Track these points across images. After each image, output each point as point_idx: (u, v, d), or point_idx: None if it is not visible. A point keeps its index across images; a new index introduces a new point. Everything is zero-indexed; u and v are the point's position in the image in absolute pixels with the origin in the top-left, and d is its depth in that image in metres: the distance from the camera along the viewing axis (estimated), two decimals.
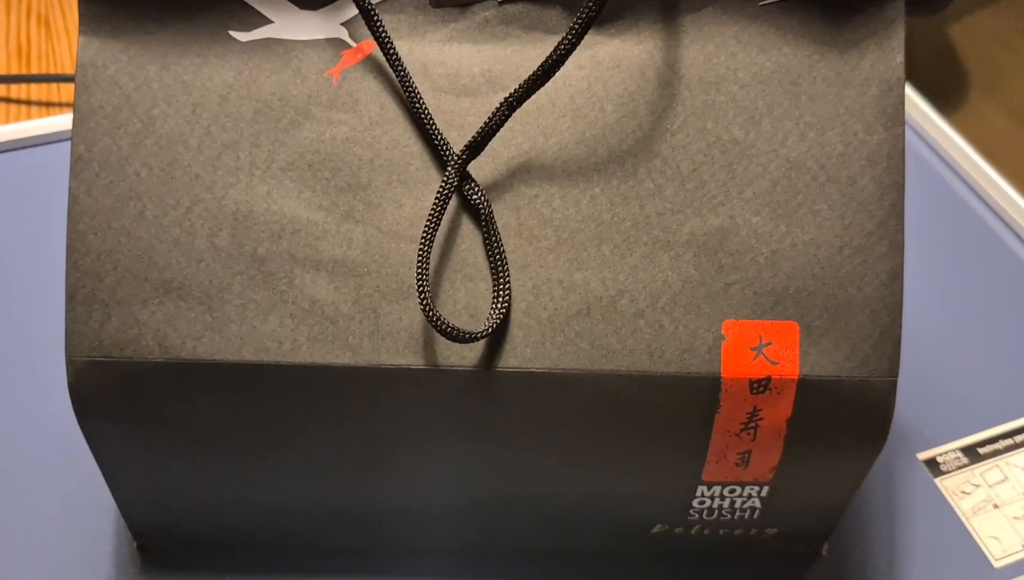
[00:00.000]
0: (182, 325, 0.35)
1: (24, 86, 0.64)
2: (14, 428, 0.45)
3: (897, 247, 0.35)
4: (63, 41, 0.68)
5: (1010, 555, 0.42)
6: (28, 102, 0.64)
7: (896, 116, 0.35)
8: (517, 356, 0.35)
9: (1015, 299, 0.52)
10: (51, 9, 0.70)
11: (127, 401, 0.35)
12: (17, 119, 0.63)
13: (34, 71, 0.66)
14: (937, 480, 0.45)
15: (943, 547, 0.43)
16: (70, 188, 0.35)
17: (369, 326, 0.35)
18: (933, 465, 0.45)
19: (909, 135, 0.59)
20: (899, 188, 0.35)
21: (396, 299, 0.35)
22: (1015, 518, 0.43)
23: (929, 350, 0.49)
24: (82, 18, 0.35)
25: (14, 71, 0.65)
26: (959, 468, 0.45)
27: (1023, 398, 0.47)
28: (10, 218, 0.55)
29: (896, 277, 0.35)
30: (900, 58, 0.35)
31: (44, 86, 0.65)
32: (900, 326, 0.35)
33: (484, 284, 0.35)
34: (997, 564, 0.42)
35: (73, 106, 0.35)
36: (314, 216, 0.35)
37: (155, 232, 0.35)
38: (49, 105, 0.63)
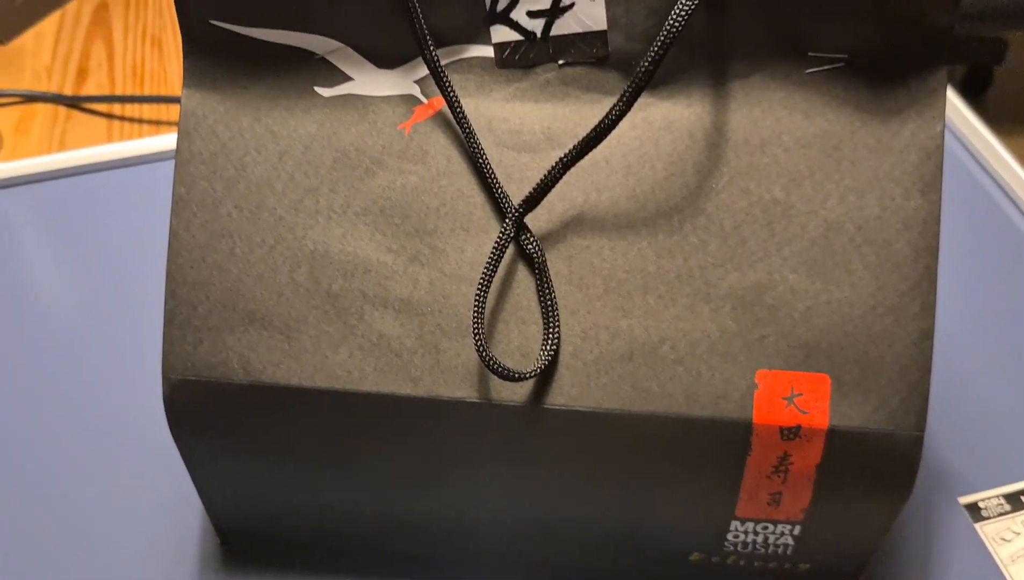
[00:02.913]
0: (263, 351, 0.39)
1: (137, 105, 0.70)
2: (118, 431, 0.50)
3: (929, 308, 0.37)
4: (174, 62, 0.73)
5: None
6: (140, 120, 0.69)
7: (933, 183, 0.37)
8: (564, 395, 0.38)
9: None
10: (164, 32, 0.76)
11: (213, 416, 0.39)
12: (130, 137, 0.68)
13: (147, 92, 0.71)
14: (977, 525, 0.46)
15: None
16: (171, 225, 0.39)
17: (430, 361, 0.38)
18: (975, 510, 0.46)
19: (971, 164, 0.60)
20: (933, 252, 0.37)
21: (455, 337, 0.38)
22: None
23: (980, 396, 0.50)
24: (186, 72, 0.39)
25: (128, 91, 0.71)
26: (1001, 515, 0.46)
27: None
28: (124, 227, 0.60)
29: (927, 337, 0.37)
30: (940, 127, 0.37)
31: (155, 105, 0.70)
32: (928, 383, 0.37)
33: (536, 327, 0.38)
34: None
35: (176, 150, 0.39)
36: (384, 258, 0.39)
37: (243, 267, 0.39)
38: (159, 124, 0.69)
